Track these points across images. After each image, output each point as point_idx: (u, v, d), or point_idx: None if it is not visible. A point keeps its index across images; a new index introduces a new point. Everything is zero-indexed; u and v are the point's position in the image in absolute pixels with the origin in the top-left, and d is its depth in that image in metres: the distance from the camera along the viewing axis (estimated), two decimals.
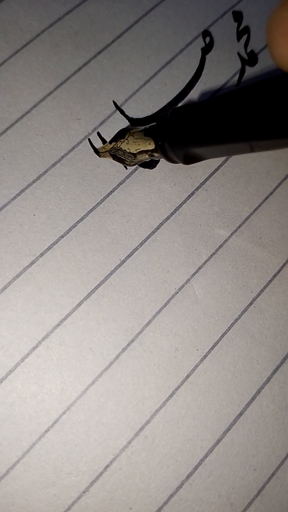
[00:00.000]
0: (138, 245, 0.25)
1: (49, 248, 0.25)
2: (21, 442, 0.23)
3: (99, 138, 0.26)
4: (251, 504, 0.23)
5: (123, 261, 0.25)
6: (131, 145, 0.25)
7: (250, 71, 0.28)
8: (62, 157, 0.26)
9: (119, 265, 0.25)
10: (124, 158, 0.25)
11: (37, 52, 0.27)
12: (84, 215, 0.25)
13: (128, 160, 0.25)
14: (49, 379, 0.23)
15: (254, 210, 0.27)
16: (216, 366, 0.24)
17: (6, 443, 0.23)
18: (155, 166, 0.26)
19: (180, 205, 0.26)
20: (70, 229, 0.25)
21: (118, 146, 0.25)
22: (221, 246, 0.26)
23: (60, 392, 0.23)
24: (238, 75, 0.28)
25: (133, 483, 0.23)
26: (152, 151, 0.24)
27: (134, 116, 0.27)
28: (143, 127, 0.25)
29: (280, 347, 0.25)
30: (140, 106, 0.27)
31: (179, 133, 0.23)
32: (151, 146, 0.24)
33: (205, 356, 0.24)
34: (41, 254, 0.25)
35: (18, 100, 0.26)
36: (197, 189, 0.27)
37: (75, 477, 0.23)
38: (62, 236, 0.25)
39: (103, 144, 0.26)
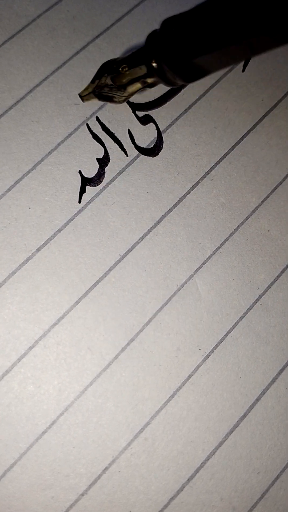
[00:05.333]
0: (139, 239, 0.25)
1: (45, 243, 0.24)
2: (18, 443, 0.22)
3: (97, 122, 0.25)
4: (254, 508, 0.23)
5: (123, 256, 0.24)
6: (118, 77, 0.22)
7: None
8: (59, 144, 0.25)
9: (119, 261, 0.24)
10: (112, 94, 0.22)
11: (32, 37, 0.26)
12: (82, 207, 0.24)
13: (117, 96, 0.22)
14: (46, 379, 0.23)
15: (262, 201, 0.26)
16: (219, 366, 0.24)
17: (3, 445, 0.22)
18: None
19: (184, 196, 0.25)
20: (67, 223, 0.24)
21: (103, 82, 0.22)
22: (226, 239, 0.25)
23: (57, 393, 0.23)
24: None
25: (132, 486, 0.22)
26: (144, 76, 0.21)
27: (135, 101, 0.26)
28: (127, 55, 0.22)
29: (286, 346, 0.24)
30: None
31: (179, 44, 0.20)
32: (142, 71, 0.21)
33: (208, 356, 0.24)
34: (38, 250, 0.24)
35: (13, 86, 0.25)
36: (202, 178, 0.25)
37: (73, 479, 0.22)
38: (59, 230, 0.24)
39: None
